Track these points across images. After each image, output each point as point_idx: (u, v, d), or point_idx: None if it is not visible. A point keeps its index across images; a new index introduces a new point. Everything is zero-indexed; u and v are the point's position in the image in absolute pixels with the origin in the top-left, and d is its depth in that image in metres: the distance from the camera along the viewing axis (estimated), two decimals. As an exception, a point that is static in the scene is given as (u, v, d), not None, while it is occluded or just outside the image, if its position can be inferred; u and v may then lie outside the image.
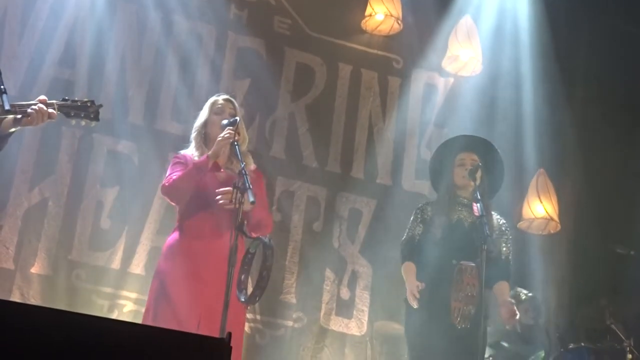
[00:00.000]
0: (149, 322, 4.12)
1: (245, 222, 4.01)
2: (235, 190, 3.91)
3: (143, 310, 4.45)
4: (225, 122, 4.35)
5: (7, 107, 3.58)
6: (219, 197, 4.16)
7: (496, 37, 7.28)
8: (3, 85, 3.59)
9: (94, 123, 3.87)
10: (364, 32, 7.21)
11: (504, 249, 4.97)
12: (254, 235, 4.05)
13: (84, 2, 6.37)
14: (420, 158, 7.11)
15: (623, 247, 6.51)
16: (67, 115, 3.81)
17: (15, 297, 5.80)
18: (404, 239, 4.99)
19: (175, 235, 4.35)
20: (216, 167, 4.34)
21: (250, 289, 3.93)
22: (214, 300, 4.00)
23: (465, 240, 4.77)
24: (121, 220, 6.19)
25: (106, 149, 6.28)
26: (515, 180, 6.83)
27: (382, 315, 6.60)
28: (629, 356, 5.87)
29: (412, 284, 4.70)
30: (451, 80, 7.34)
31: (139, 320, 4.55)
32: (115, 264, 6.13)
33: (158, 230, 6.19)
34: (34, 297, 5.87)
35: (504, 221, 5.09)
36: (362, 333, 6.62)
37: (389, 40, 7.24)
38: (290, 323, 6.49)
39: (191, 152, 4.44)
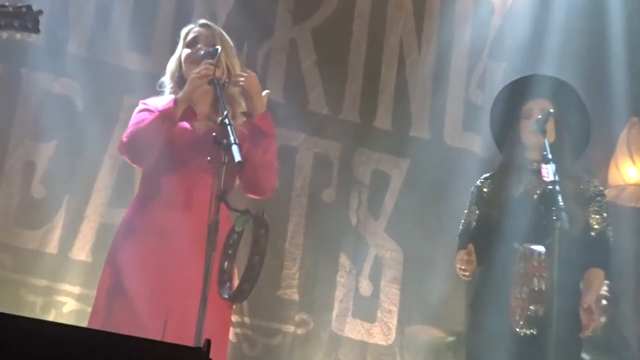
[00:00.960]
0: (99, 326, 4.11)
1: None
2: (217, 145, 3.90)
3: (89, 310, 4.46)
4: (202, 52, 4.37)
5: None
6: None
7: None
8: None
9: (33, 35, 3.85)
10: None
11: (596, 221, 4.92)
12: (250, 196, 4.04)
13: None
14: (469, 102, 7.11)
15: None
16: (-6, 24, 3.81)
17: None
18: (460, 230, 5.04)
19: (134, 208, 4.37)
20: (191, 114, 4.33)
21: (236, 281, 3.94)
22: (187, 295, 4.01)
23: (534, 217, 4.77)
24: (60, 187, 6.19)
25: (39, 89, 6.26)
26: (599, 134, 6.79)
27: (416, 318, 6.63)
28: None
29: (458, 256, 4.78)
30: (512, -6, 7.33)
31: (84, 324, 4.56)
32: (52, 247, 6.15)
33: (110, 201, 6.21)
34: (-63, 292, 5.92)
35: (597, 184, 5.06)
36: (390, 342, 6.65)
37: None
38: (290, 328, 6.53)
39: (166, 100, 4.43)
